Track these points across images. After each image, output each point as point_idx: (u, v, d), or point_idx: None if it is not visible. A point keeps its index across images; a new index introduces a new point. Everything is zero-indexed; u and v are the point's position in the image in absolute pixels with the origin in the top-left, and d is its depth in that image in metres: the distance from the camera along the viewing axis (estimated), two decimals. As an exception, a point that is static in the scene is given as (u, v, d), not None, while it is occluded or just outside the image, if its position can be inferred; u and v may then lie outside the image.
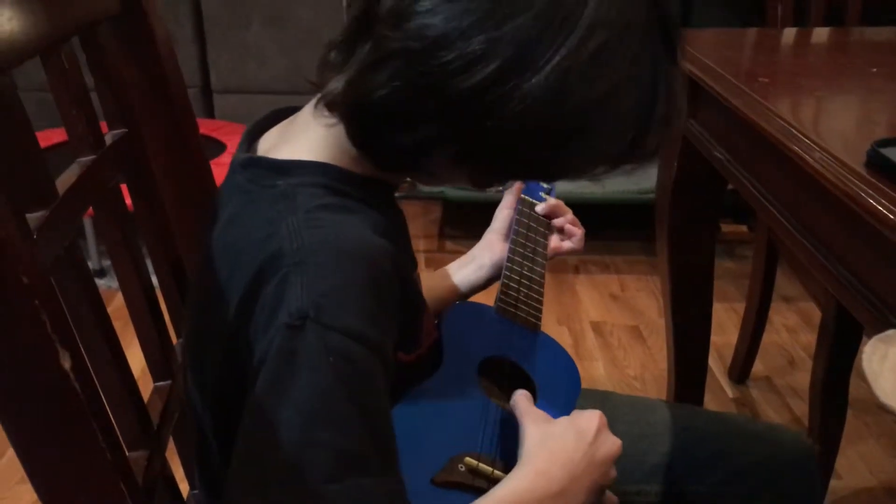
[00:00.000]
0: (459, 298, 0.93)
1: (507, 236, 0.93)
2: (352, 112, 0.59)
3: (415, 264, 0.72)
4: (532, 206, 0.96)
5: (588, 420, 0.66)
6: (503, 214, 0.95)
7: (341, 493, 0.49)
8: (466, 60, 0.53)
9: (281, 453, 0.49)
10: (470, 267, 0.93)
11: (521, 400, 0.69)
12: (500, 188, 0.99)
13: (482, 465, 0.65)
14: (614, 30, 0.55)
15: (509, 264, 0.87)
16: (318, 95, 0.62)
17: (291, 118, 0.68)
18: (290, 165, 0.61)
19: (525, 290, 0.85)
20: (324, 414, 0.50)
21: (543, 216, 0.95)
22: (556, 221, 0.95)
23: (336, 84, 0.59)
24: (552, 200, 0.96)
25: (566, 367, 0.81)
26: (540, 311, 0.84)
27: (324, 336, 0.51)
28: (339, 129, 0.61)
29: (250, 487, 0.51)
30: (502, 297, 0.83)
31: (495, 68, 0.53)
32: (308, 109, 0.65)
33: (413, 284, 0.68)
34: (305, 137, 0.63)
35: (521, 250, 0.90)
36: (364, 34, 0.58)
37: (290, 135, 0.66)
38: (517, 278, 0.86)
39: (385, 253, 0.58)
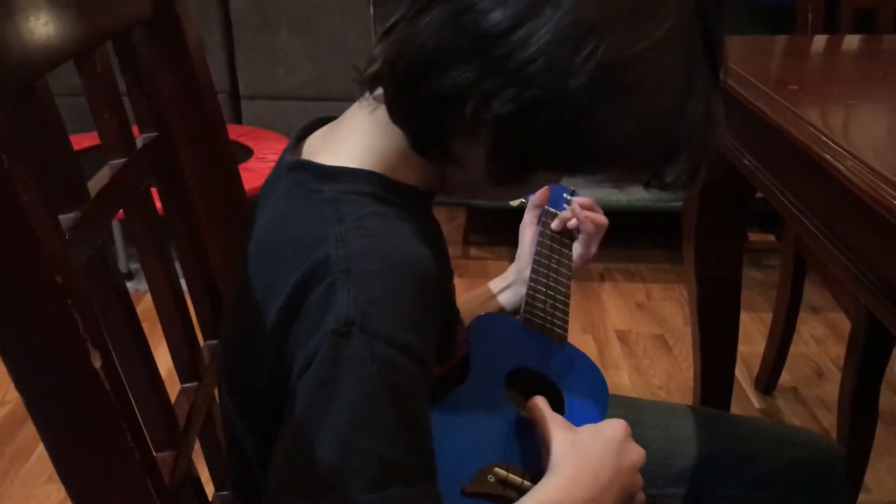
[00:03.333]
0: None
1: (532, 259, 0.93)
2: (389, 68, 0.59)
3: (451, 274, 0.73)
4: (555, 217, 0.96)
5: (613, 428, 0.66)
6: (526, 235, 0.96)
7: (383, 502, 0.49)
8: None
9: (323, 460, 0.49)
10: (507, 293, 0.94)
11: (541, 405, 0.68)
12: (524, 199, 0.99)
13: (511, 476, 0.65)
14: (663, 29, 0.55)
15: (534, 275, 0.87)
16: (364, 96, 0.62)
17: (337, 121, 0.69)
18: (336, 172, 0.62)
19: (551, 302, 0.85)
20: (367, 422, 0.50)
21: (557, 232, 0.95)
22: (571, 224, 0.95)
23: (377, 50, 0.61)
24: (565, 213, 0.96)
25: (594, 379, 0.81)
26: (566, 322, 0.84)
27: (369, 344, 0.51)
28: (387, 129, 0.61)
29: (291, 493, 0.50)
30: (528, 308, 0.83)
31: (519, 8, 0.54)
32: (352, 110, 0.65)
33: (450, 295, 0.68)
34: (351, 142, 0.64)
35: (546, 261, 0.90)
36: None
37: (335, 138, 0.66)
38: (543, 289, 0.86)
39: (429, 263, 0.59)
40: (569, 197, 0.98)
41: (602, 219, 0.94)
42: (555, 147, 0.58)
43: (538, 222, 0.96)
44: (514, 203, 1.02)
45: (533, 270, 0.88)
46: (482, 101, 0.56)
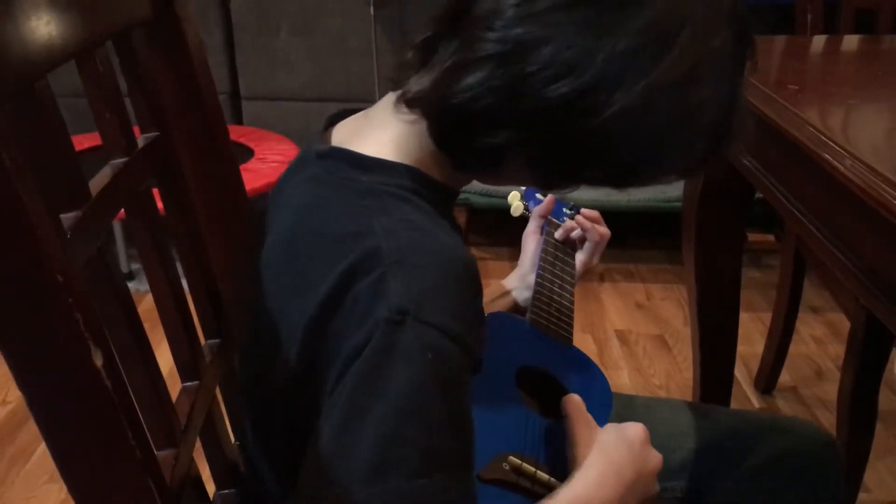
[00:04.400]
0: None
1: (535, 266, 0.95)
2: (436, 112, 0.59)
3: None
4: (558, 227, 0.98)
5: (635, 432, 0.68)
6: (529, 243, 0.98)
7: (427, 488, 0.50)
8: (560, 70, 0.54)
9: (370, 444, 0.50)
10: (507, 299, 0.96)
11: (574, 402, 0.69)
12: (526, 211, 1.01)
13: (525, 465, 0.66)
14: (706, 50, 0.56)
15: (538, 283, 0.89)
16: (398, 93, 0.62)
17: (364, 113, 0.68)
18: (373, 163, 0.62)
19: (556, 307, 0.87)
20: (417, 410, 0.51)
21: (561, 242, 0.97)
22: (574, 234, 0.97)
23: (420, 82, 0.60)
24: (569, 224, 0.98)
25: (598, 382, 0.82)
26: (571, 327, 0.85)
27: (422, 332, 0.52)
28: (421, 129, 0.61)
29: (335, 478, 0.51)
30: (534, 314, 0.84)
31: (588, 80, 0.54)
32: (385, 105, 0.65)
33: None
34: (387, 134, 0.63)
35: (550, 268, 0.92)
36: (448, 34, 0.59)
37: (368, 129, 0.65)
38: (547, 297, 0.88)
39: (472, 259, 0.59)
40: (569, 211, 1.01)
41: (605, 231, 0.96)
42: (601, 171, 0.61)
43: (541, 232, 0.98)
44: (516, 214, 1.04)
45: (538, 276, 0.90)
46: (534, 152, 0.58)
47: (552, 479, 0.65)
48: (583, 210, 0.98)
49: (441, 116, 0.59)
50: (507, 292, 0.96)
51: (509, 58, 0.55)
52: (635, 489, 0.64)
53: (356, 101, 2.52)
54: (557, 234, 0.97)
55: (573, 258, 0.96)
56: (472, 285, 0.58)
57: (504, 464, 0.66)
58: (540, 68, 0.54)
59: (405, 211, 0.59)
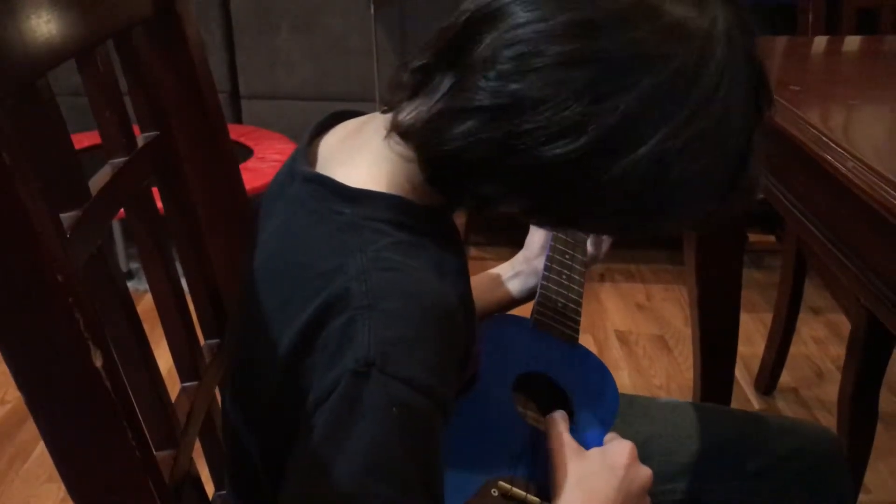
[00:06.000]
0: (514, 305, 0.92)
1: (543, 249, 0.92)
2: (427, 154, 0.57)
3: (469, 286, 0.72)
4: None
5: (619, 454, 0.66)
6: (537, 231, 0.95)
7: None
8: (557, 130, 0.51)
9: (334, 500, 0.49)
10: (515, 281, 0.92)
11: (556, 429, 0.67)
12: None
13: (515, 490, 0.64)
14: (719, 110, 0.53)
15: (546, 272, 0.86)
16: (388, 116, 0.60)
17: (356, 129, 0.66)
18: (357, 194, 0.59)
19: (563, 301, 0.84)
20: (382, 465, 0.49)
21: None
22: None
23: (410, 115, 0.58)
24: None
25: (603, 380, 0.80)
26: (578, 323, 0.83)
27: (388, 386, 0.50)
28: (411, 162, 0.59)
29: None
30: (539, 308, 0.83)
31: (584, 144, 0.51)
32: (376, 128, 0.62)
33: (474, 319, 0.67)
34: (374, 162, 0.61)
35: (560, 258, 0.89)
36: (446, 67, 0.56)
37: (356, 153, 0.63)
38: (555, 288, 0.85)
39: (454, 297, 0.58)
40: None
41: None
42: (605, 228, 0.63)
43: None
44: None
45: (546, 268, 0.87)
46: (529, 204, 0.58)
47: (544, 503, 0.64)
48: None
49: (432, 160, 0.57)
50: (501, 283, 0.93)
51: (504, 112, 0.52)
52: None
53: (356, 101, 2.51)
54: None
55: (584, 246, 0.92)
56: (450, 329, 0.56)
57: (493, 490, 0.64)
58: (536, 127, 0.51)
59: (383, 246, 0.57)
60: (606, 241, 0.94)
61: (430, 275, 0.58)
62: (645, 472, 0.66)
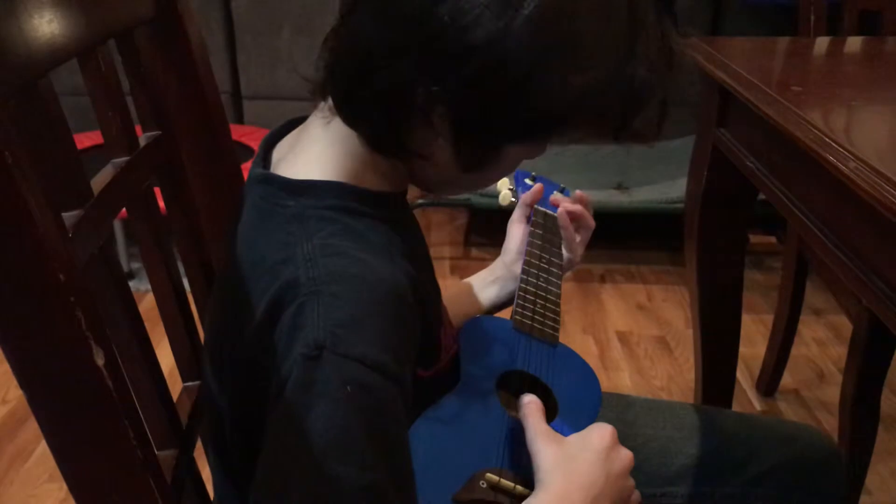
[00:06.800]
0: (495, 310, 0.93)
1: (520, 255, 0.92)
2: (332, 74, 0.59)
3: (432, 275, 0.72)
4: (545, 216, 0.95)
5: (600, 437, 0.65)
6: (515, 231, 0.95)
7: None
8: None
9: (298, 486, 0.49)
10: (493, 287, 0.93)
11: (532, 415, 0.67)
12: (514, 199, 0.98)
13: (504, 482, 0.64)
14: None
15: (524, 276, 0.87)
16: (324, 104, 0.62)
17: (303, 127, 0.68)
18: (301, 185, 0.61)
19: (541, 303, 0.84)
20: (341, 446, 0.50)
21: (547, 233, 0.93)
22: (560, 210, 0.93)
23: (319, 60, 0.60)
24: (556, 196, 0.95)
25: (585, 378, 0.80)
26: (558, 323, 0.83)
27: (340, 366, 0.51)
28: (345, 135, 0.61)
29: None
30: (518, 310, 0.83)
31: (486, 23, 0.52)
32: (311, 121, 0.65)
33: (431, 302, 0.67)
34: (315, 152, 0.63)
35: (536, 262, 0.89)
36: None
37: (300, 147, 0.65)
38: (533, 290, 0.85)
39: (403, 278, 0.58)
40: (559, 194, 0.98)
41: (590, 220, 0.93)
42: (511, 114, 0.57)
43: (528, 221, 0.95)
44: (504, 203, 1.01)
45: (524, 271, 0.87)
46: (429, 84, 0.55)
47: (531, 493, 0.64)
48: (577, 192, 0.95)
49: (334, 79, 0.59)
50: (482, 289, 0.94)
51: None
52: (603, 497, 0.62)
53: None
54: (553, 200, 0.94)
55: (560, 249, 0.93)
56: (400, 307, 0.56)
57: (481, 482, 0.64)
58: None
59: (329, 233, 0.57)
60: (580, 244, 0.93)
61: (378, 258, 0.58)
62: (626, 454, 0.66)
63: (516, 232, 0.95)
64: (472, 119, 0.57)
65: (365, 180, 0.62)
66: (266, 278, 0.56)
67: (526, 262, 0.88)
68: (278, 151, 0.67)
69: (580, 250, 0.93)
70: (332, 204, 0.60)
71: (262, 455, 0.52)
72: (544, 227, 0.94)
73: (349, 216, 0.60)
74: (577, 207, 0.92)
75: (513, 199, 1.00)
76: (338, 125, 0.62)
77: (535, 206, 0.96)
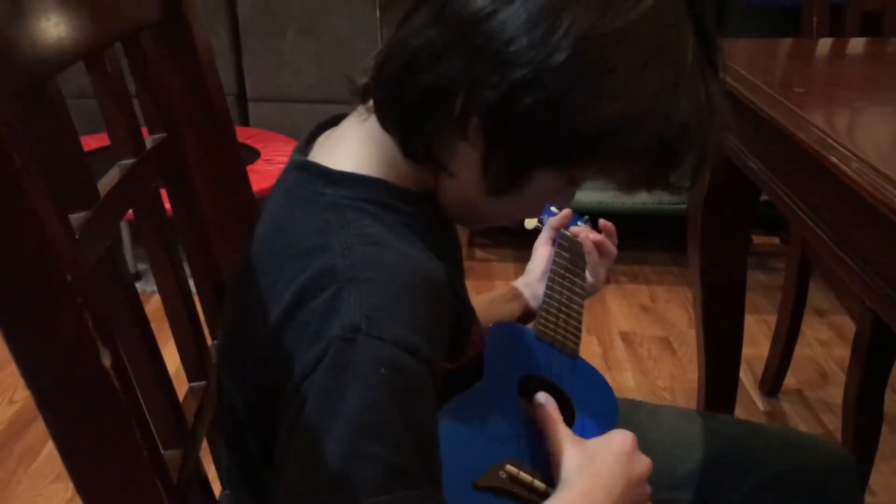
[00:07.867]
0: None
1: (544, 275, 0.94)
2: (378, 73, 0.60)
3: (462, 273, 0.73)
4: (571, 240, 0.98)
5: (621, 442, 0.66)
6: (540, 252, 0.97)
7: None
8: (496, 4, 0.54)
9: (330, 465, 0.49)
10: (512, 304, 0.95)
11: (551, 415, 0.67)
12: (540, 223, 1.00)
13: (522, 474, 0.65)
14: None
15: (548, 292, 0.89)
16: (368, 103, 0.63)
17: (346, 122, 0.68)
18: (339, 176, 0.62)
19: (564, 318, 0.87)
20: (373, 427, 0.50)
21: (572, 256, 0.96)
22: (582, 237, 0.97)
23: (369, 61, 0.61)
24: (576, 228, 0.98)
25: (603, 393, 0.82)
26: (579, 339, 0.85)
27: (375, 348, 0.51)
28: (379, 141, 0.62)
29: (298, 499, 0.50)
30: (542, 321, 0.85)
31: (523, 12, 0.54)
32: (358, 115, 0.66)
33: (463, 296, 0.68)
34: (352, 147, 0.64)
35: (560, 280, 0.92)
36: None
37: (336, 140, 0.66)
38: (556, 305, 0.88)
39: (435, 268, 0.59)
40: (583, 224, 1.01)
41: (612, 248, 0.97)
42: (542, 131, 0.57)
43: (553, 243, 0.98)
44: (530, 227, 1.03)
45: (548, 287, 0.90)
46: (468, 91, 0.56)
47: (549, 489, 0.65)
48: (601, 221, 0.98)
49: (380, 77, 0.60)
50: (518, 295, 0.95)
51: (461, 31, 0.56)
52: (623, 500, 0.63)
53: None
54: (574, 230, 0.97)
55: (584, 272, 0.96)
56: (433, 294, 0.57)
57: (501, 472, 0.65)
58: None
59: (364, 224, 0.58)
60: (603, 269, 0.96)
61: (415, 250, 0.59)
62: (645, 461, 0.66)
63: (541, 252, 0.97)
64: (504, 133, 0.58)
65: (401, 178, 0.63)
66: (298, 263, 0.57)
67: (550, 280, 0.91)
68: (320, 141, 0.68)
69: (602, 275, 0.97)
70: (370, 197, 0.61)
71: (288, 436, 0.52)
72: (570, 251, 0.97)
73: (385, 210, 0.61)
74: (599, 236, 0.96)
75: (539, 224, 1.02)
76: (371, 126, 0.63)
77: (562, 231, 0.99)
